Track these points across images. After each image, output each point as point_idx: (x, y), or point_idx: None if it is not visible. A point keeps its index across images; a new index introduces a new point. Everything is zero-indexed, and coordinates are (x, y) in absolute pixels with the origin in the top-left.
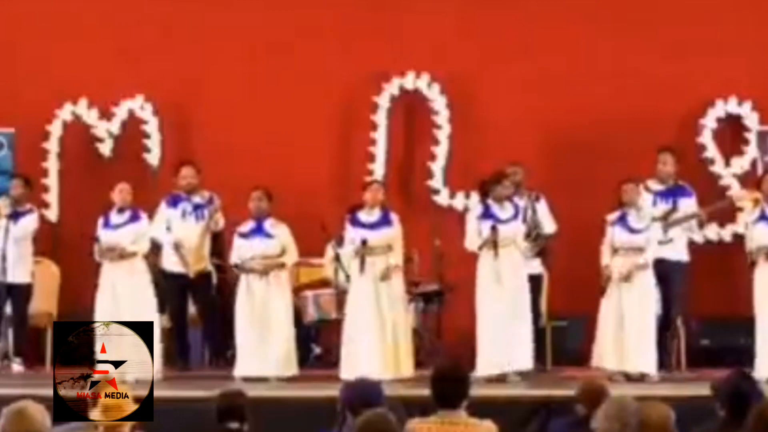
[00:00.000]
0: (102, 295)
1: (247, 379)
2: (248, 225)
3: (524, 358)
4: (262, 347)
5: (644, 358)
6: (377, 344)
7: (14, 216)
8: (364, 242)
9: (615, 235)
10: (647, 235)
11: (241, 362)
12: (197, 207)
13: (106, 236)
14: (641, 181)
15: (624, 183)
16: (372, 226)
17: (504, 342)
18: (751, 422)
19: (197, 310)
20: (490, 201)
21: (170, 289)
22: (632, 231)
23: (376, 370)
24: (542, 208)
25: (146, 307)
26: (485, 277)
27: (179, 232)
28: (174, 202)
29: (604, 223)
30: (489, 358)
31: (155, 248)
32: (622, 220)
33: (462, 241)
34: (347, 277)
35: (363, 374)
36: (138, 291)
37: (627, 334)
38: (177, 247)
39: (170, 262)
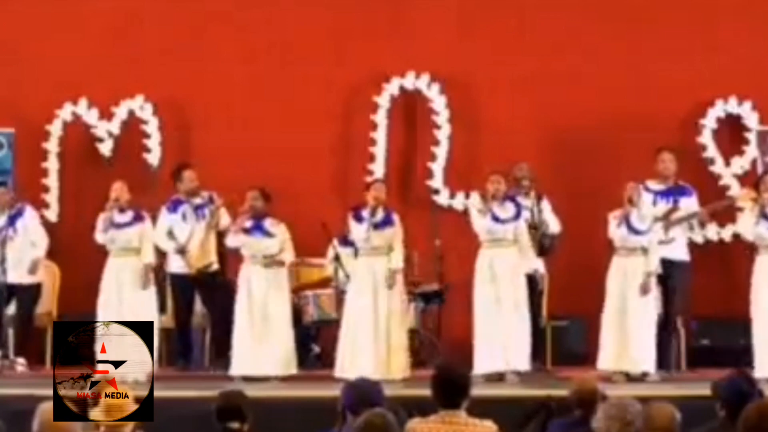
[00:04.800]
0: (105, 294)
1: (246, 379)
2: (248, 222)
3: (521, 359)
4: (262, 346)
5: (644, 358)
6: (371, 345)
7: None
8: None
9: (616, 233)
10: (649, 237)
11: (237, 361)
12: (198, 207)
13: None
14: (640, 182)
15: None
16: (376, 226)
17: (501, 341)
18: (741, 424)
19: (207, 310)
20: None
21: (175, 289)
22: (635, 232)
23: (369, 371)
24: (546, 207)
25: (147, 307)
26: (482, 276)
27: (182, 235)
28: (174, 207)
29: (608, 221)
30: (486, 356)
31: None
32: (625, 218)
33: (461, 240)
34: (347, 277)
35: (357, 374)
36: (140, 291)
37: (627, 333)
38: (180, 252)
39: (175, 265)
